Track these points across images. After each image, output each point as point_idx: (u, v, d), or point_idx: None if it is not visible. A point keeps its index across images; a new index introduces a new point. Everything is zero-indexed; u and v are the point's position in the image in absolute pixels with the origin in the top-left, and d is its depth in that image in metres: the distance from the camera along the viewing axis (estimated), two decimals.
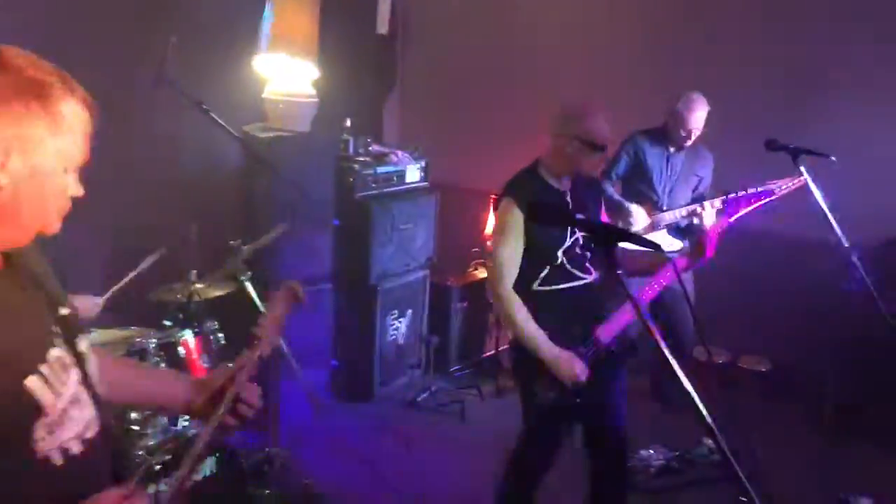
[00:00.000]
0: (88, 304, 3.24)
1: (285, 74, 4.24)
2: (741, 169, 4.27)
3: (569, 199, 3.02)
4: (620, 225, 4.22)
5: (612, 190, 4.43)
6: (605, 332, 2.97)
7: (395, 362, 4.90)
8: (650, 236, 4.27)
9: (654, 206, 4.36)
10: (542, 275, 2.97)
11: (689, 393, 1.56)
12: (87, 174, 3.94)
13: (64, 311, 1.41)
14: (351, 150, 4.73)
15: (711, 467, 3.99)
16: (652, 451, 4.08)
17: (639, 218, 4.30)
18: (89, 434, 1.38)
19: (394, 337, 4.85)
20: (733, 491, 1.56)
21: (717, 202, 4.15)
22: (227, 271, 3.32)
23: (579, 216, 1.58)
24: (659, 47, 5.16)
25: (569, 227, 2.92)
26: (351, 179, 4.55)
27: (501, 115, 5.71)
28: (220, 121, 3.42)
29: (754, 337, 5.04)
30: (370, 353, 4.70)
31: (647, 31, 5.23)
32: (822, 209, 3.00)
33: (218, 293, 3.42)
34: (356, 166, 4.59)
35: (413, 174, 4.96)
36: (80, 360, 1.40)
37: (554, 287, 2.98)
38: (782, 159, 3.19)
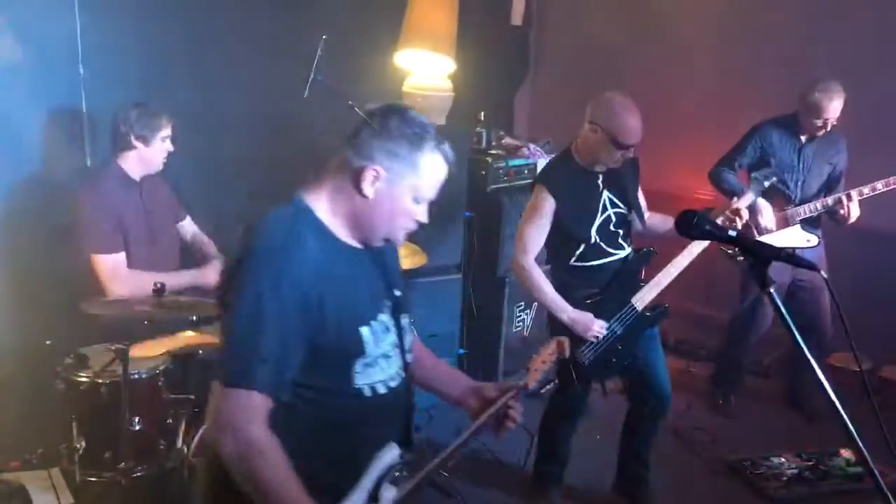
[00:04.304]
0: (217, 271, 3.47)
1: (424, 69, 4.33)
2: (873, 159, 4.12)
3: (600, 181, 3.29)
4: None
5: (735, 179, 4.26)
6: (641, 300, 3.30)
7: (519, 353, 4.92)
8: (784, 232, 4.13)
9: (785, 199, 4.19)
10: (578, 252, 3.28)
11: (830, 399, 1.52)
12: (236, 168, 4.11)
13: (398, 292, 1.92)
14: (484, 142, 4.79)
15: (847, 480, 3.84)
16: (784, 460, 3.97)
17: (765, 212, 4.11)
18: (393, 384, 1.86)
19: (519, 328, 4.89)
20: None
21: (866, 189, 3.98)
22: None
23: (732, 233, 1.55)
24: (796, 35, 4.99)
25: (599, 207, 3.26)
26: (483, 172, 4.60)
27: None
28: (364, 116, 3.53)
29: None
30: (496, 343, 4.76)
31: (785, 20, 5.06)
32: None
33: None
34: (489, 159, 4.64)
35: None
36: (399, 329, 1.89)
37: (589, 263, 3.29)
38: None
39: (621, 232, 3.34)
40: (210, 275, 3.49)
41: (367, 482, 1.83)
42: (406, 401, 1.95)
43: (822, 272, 1.57)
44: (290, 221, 1.75)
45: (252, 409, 1.66)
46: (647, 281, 3.36)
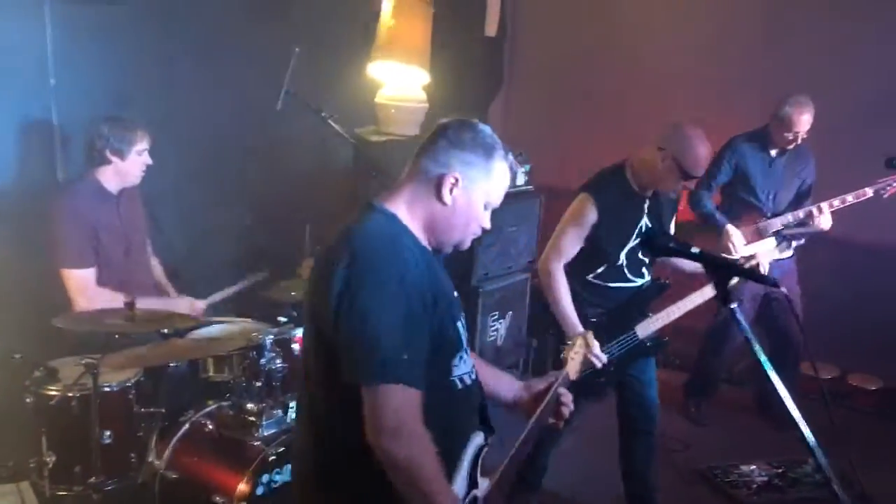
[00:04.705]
0: (188, 306, 3.46)
1: (397, 80, 4.34)
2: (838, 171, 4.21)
3: (646, 206, 3.26)
4: (720, 244, 4.18)
5: (712, 205, 4.37)
6: (644, 330, 3.26)
7: (493, 363, 4.89)
8: (758, 244, 4.19)
9: (758, 213, 4.27)
10: (600, 270, 3.27)
11: (789, 409, 1.56)
12: (208, 178, 4.09)
13: (456, 294, 2.00)
14: None
15: (816, 487, 3.88)
16: (754, 467, 4.02)
17: (736, 239, 4.20)
18: (473, 376, 1.97)
19: (493, 338, 4.90)
20: None
21: (836, 202, 4.05)
22: None
23: (695, 250, 1.58)
24: (766, 49, 5.09)
25: (635, 232, 3.23)
26: None
27: (607, 118, 5.68)
28: (337, 128, 3.55)
29: (865, 354, 4.87)
30: None
31: (755, 34, 5.16)
32: None
33: None
34: None
35: (518, 178, 5.00)
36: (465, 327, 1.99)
37: (606, 283, 3.27)
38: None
39: (647, 260, 3.31)
40: (181, 305, 3.46)
41: (464, 467, 1.91)
42: (481, 391, 2.06)
43: (783, 288, 1.60)
44: (388, 227, 1.85)
45: (415, 407, 1.70)
46: (653, 311, 3.34)
